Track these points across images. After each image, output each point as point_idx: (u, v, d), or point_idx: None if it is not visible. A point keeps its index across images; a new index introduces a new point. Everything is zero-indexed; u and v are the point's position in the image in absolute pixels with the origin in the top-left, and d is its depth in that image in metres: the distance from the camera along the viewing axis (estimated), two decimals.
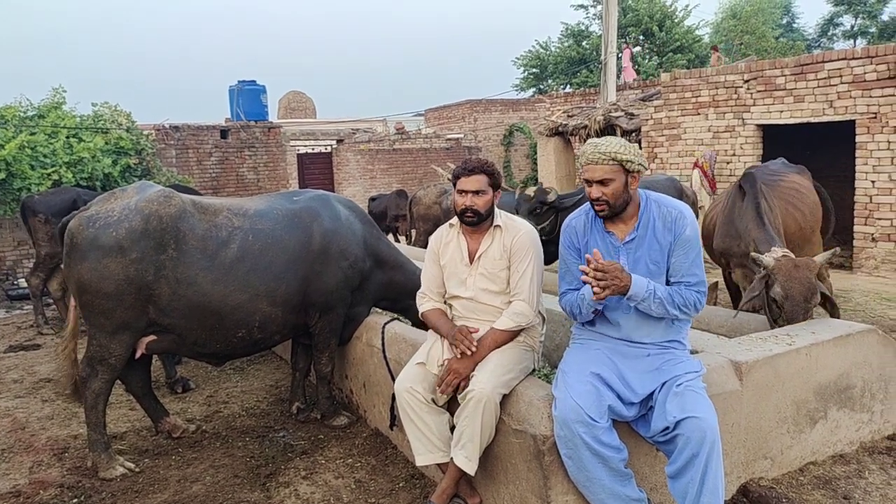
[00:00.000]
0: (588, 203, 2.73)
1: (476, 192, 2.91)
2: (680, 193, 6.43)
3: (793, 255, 3.78)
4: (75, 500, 3.25)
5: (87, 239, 3.29)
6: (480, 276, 2.98)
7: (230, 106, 15.52)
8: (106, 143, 10.28)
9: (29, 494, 3.32)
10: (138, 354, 3.55)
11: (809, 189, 4.97)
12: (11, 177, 8.97)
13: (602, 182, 2.57)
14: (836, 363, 3.22)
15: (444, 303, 3.14)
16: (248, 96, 15.18)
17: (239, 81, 15.34)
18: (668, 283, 2.64)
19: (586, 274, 2.47)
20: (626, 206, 2.62)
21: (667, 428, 2.40)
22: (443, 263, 3.09)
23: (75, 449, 3.83)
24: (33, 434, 4.11)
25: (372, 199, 12.75)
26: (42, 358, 5.91)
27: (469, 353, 2.77)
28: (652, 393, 2.52)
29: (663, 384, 2.51)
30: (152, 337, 3.51)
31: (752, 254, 3.82)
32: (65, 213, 6.62)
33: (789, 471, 3.13)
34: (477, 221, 2.96)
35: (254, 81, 15.42)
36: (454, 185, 2.99)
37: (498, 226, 2.99)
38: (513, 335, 2.90)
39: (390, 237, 11.90)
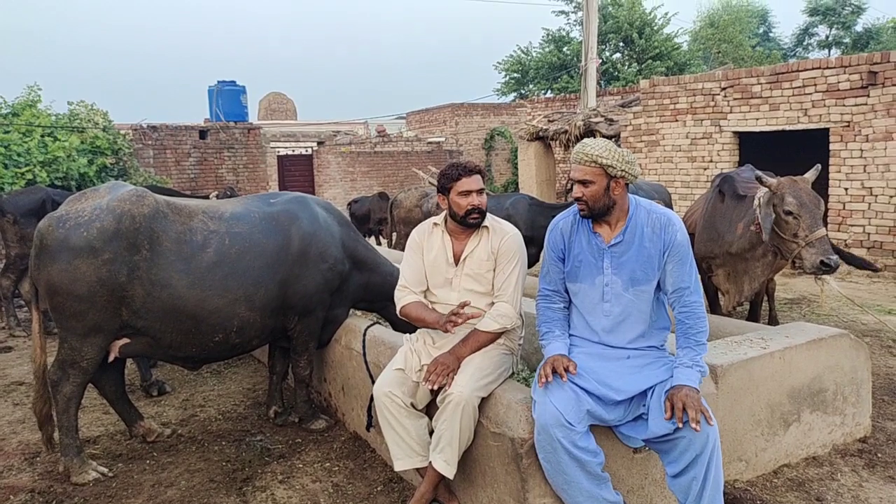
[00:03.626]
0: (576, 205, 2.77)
1: (479, 191, 2.92)
2: (668, 200, 6.57)
3: None
4: None
5: (57, 240, 3.22)
6: (467, 276, 2.97)
7: (209, 106, 15.42)
8: (82, 143, 10.15)
9: None
10: (111, 358, 3.48)
11: None
12: None
13: (583, 183, 2.61)
14: (810, 367, 3.27)
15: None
16: (228, 97, 15.09)
17: (218, 82, 15.24)
18: (659, 290, 2.66)
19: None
20: (608, 209, 2.64)
21: (667, 433, 2.43)
22: (427, 261, 3.07)
23: (47, 453, 3.75)
24: (3, 438, 4.03)
25: (354, 202, 12.73)
26: (14, 361, 5.79)
27: (450, 326, 2.74)
28: (643, 393, 2.53)
29: (654, 388, 2.52)
30: (125, 340, 3.44)
31: (757, 172, 3.96)
32: (34, 213, 6.52)
33: (763, 473, 3.17)
34: (481, 221, 2.95)
35: (234, 82, 15.33)
36: (449, 188, 2.94)
37: (485, 227, 2.99)
38: (495, 337, 2.90)
39: (372, 240, 11.91)
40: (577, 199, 2.64)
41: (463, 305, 2.77)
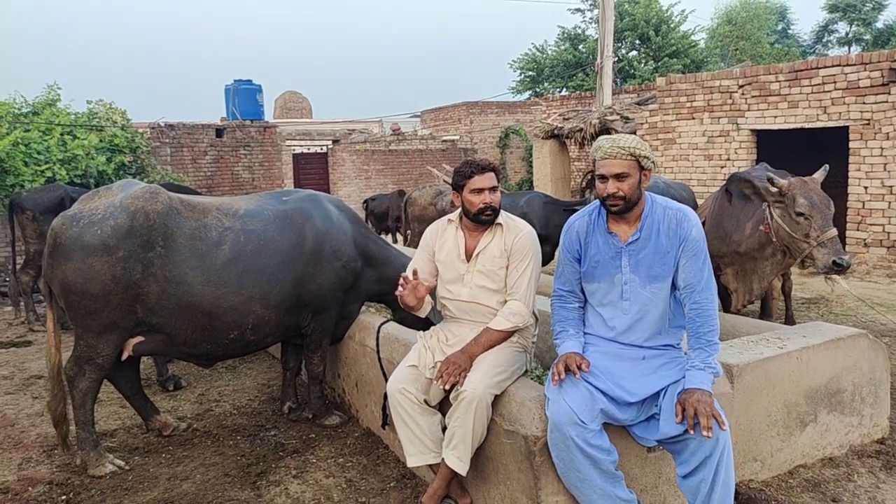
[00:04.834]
0: (591, 205, 2.74)
1: (492, 189, 2.92)
2: (694, 201, 6.52)
3: None
4: (64, 498, 3.23)
5: (71, 238, 3.23)
6: (479, 273, 2.97)
7: (226, 105, 15.52)
8: (100, 141, 10.25)
9: (17, 491, 3.31)
10: (125, 356, 3.50)
11: None
12: (4, 173, 8.92)
13: (619, 177, 2.54)
14: (827, 367, 3.24)
15: (437, 302, 3.14)
16: (244, 95, 15.18)
17: (235, 80, 15.33)
18: (674, 287, 2.63)
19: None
20: (636, 204, 2.62)
21: (677, 434, 2.41)
22: (440, 258, 3.08)
23: (62, 453, 3.79)
24: (23, 431, 4.09)
25: (371, 200, 12.77)
26: (33, 355, 5.88)
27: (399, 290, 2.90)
28: (655, 394, 2.52)
29: (666, 389, 2.51)
30: (140, 338, 3.46)
31: (768, 173, 3.98)
32: (53, 210, 6.63)
33: (779, 473, 3.14)
34: (494, 219, 2.96)
35: (250, 81, 15.42)
36: (462, 185, 2.94)
37: (499, 224, 2.99)
38: (507, 335, 2.90)
39: (389, 237, 11.94)
40: (611, 196, 2.55)
41: (415, 273, 2.91)
